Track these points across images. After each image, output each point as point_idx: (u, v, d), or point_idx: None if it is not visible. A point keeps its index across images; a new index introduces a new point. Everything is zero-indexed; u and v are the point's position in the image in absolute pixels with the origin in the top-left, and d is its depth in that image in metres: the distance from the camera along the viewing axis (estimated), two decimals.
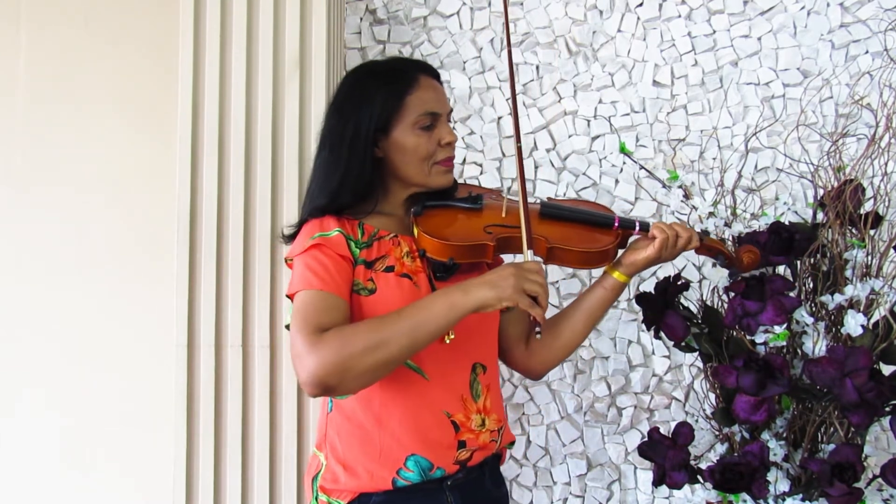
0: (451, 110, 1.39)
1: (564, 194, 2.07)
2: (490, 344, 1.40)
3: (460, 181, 1.52)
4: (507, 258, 1.36)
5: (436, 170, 1.35)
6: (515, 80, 1.29)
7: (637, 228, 1.39)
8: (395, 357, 1.18)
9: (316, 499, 1.32)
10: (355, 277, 1.29)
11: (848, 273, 1.47)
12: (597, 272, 2.04)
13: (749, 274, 1.46)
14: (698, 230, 1.47)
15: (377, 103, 1.32)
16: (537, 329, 1.24)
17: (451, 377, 1.32)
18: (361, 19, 2.12)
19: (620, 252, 1.40)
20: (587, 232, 1.38)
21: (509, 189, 2.07)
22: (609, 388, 2.04)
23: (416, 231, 1.33)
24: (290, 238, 1.36)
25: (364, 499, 1.28)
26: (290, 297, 1.27)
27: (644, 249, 1.36)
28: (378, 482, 1.27)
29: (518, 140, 1.32)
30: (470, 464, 1.32)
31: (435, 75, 1.39)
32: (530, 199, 1.34)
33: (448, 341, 1.31)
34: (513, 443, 1.45)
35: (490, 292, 1.18)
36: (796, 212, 1.59)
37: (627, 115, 2.09)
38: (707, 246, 1.41)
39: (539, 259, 1.31)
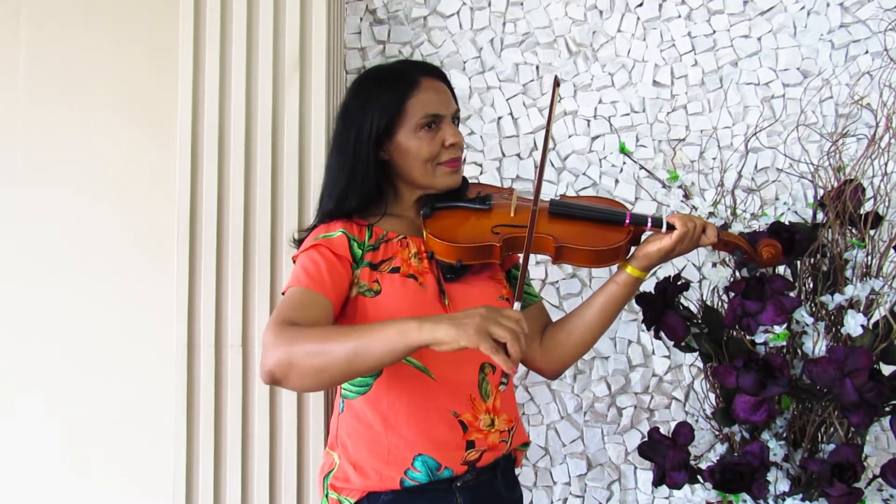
0: (458, 110, 1.39)
1: (565, 194, 2.07)
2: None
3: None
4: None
5: (441, 171, 1.35)
6: (549, 139, 1.27)
7: (649, 224, 1.35)
8: (335, 368, 1.11)
9: (326, 496, 1.34)
10: (360, 279, 1.30)
11: (848, 273, 1.47)
12: (597, 272, 2.06)
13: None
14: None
15: (378, 108, 1.32)
16: (503, 380, 1.15)
17: (459, 377, 1.32)
18: (361, 19, 2.12)
19: (634, 249, 1.37)
20: (597, 229, 1.35)
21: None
22: (609, 388, 2.04)
23: (424, 233, 1.34)
24: (300, 242, 1.37)
25: (373, 498, 1.29)
26: (284, 293, 1.28)
27: (659, 241, 1.32)
28: (386, 482, 1.28)
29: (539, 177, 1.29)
30: (479, 464, 1.32)
31: (439, 76, 1.38)
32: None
33: None
34: (527, 444, 1.44)
35: (448, 330, 1.07)
36: (796, 212, 1.59)
37: (627, 115, 2.09)
38: (724, 240, 1.37)
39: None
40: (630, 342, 2.05)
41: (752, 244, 1.40)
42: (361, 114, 1.33)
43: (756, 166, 2.06)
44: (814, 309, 1.49)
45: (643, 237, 1.38)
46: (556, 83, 1.29)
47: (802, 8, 2.08)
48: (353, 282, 1.30)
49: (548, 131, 1.30)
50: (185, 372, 1.77)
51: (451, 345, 1.07)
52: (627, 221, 1.36)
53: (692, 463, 1.47)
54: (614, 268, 1.39)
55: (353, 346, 1.10)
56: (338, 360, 1.10)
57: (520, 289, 1.18)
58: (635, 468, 2.04)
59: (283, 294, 1.27)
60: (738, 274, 1.50)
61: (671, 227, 1.33)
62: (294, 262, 1.34)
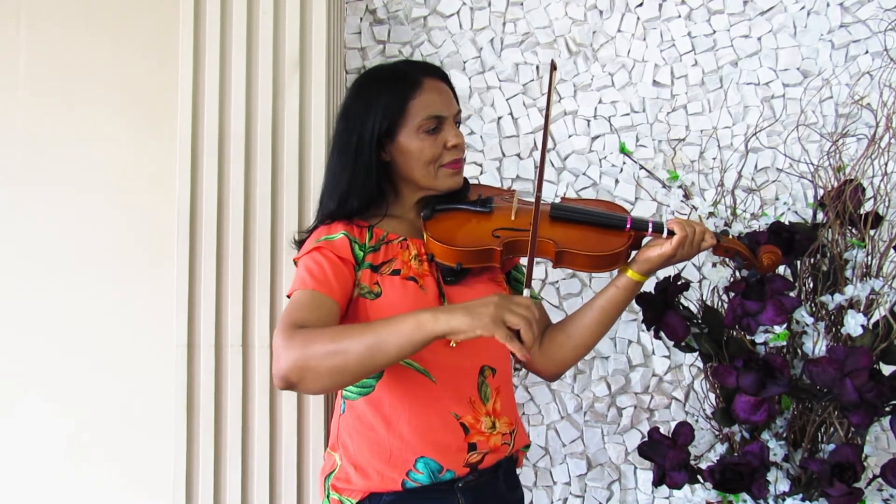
0: (459, 111, 1.38)
1: (565, 194, 2.07)
2: (499, 346, 1.39)
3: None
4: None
5: (443, 172, 1.35)
6: (547, 137, 1.26)
7: (650, 230, 1.35)
8: (353, 366, 1.11)
9: (328, 497, 1.34)
10: (361, 281, 1.29)
11: (848, 273, 1.47)
12: (597, 273, 2.05)
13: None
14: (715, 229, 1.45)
15: (380, 109, 1.31)
16: (517, 366, 1.19)
17: (459, 380, 1.32)
18: (361, 19, 2.12)
19: (635, 254, 1.37)
20: (598, 234, 1.34)
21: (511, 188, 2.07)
22: (609, 388, 2.04)
23: (424, 235, 1.33)
24: (301, 244, 1.37)
25: (374, 498, 1.29)
26: (289, 297, 1.28)
27: (660, 246, 1.32)
28: (388, 483, 1.28)
29: (539, 189, 1.26)
30: (481, 466, 1.32)
31: (441, 77, 1.38)
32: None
33: (454, 345, 1.30)
34: (528, 446, 1.45)
35: (463, 319, 1.09)
36: (796, 212, 1.59)
37: (627, 115, 2.08)
38: (724, 246, 1.37)
39: (535, 298, 1.26)
40: (630, 342, 2.05)
41: (752, 249, 1.40)
42: (363, 115, 1.32)
43: (756, 166, 2.06)
44: (814, 309, 1.49)
45: (644, 241, 1.38)
46: (553, 67, 1.28)
47: (802, 8, 2.08)
48: (354, 283, 1.30)
49: (547, 117, 1.29)
50: (185, 372, 1.77)
51: (468, 333, 1.08)
52: (628, 226, 1.35)
53: (692, 463, 1.47)
54: (615, 270, 1.39)
55: (369, 343, 1.11)
56: (355, 358, 1.11)
57: (528, 275, 1.20)
58: (635, 468, 2.04)
59: (288, 297, 1.27)
60: (738, 274, 1.50)
61: (672, 233, 1.33)
62: (295, 264, 1.34)
